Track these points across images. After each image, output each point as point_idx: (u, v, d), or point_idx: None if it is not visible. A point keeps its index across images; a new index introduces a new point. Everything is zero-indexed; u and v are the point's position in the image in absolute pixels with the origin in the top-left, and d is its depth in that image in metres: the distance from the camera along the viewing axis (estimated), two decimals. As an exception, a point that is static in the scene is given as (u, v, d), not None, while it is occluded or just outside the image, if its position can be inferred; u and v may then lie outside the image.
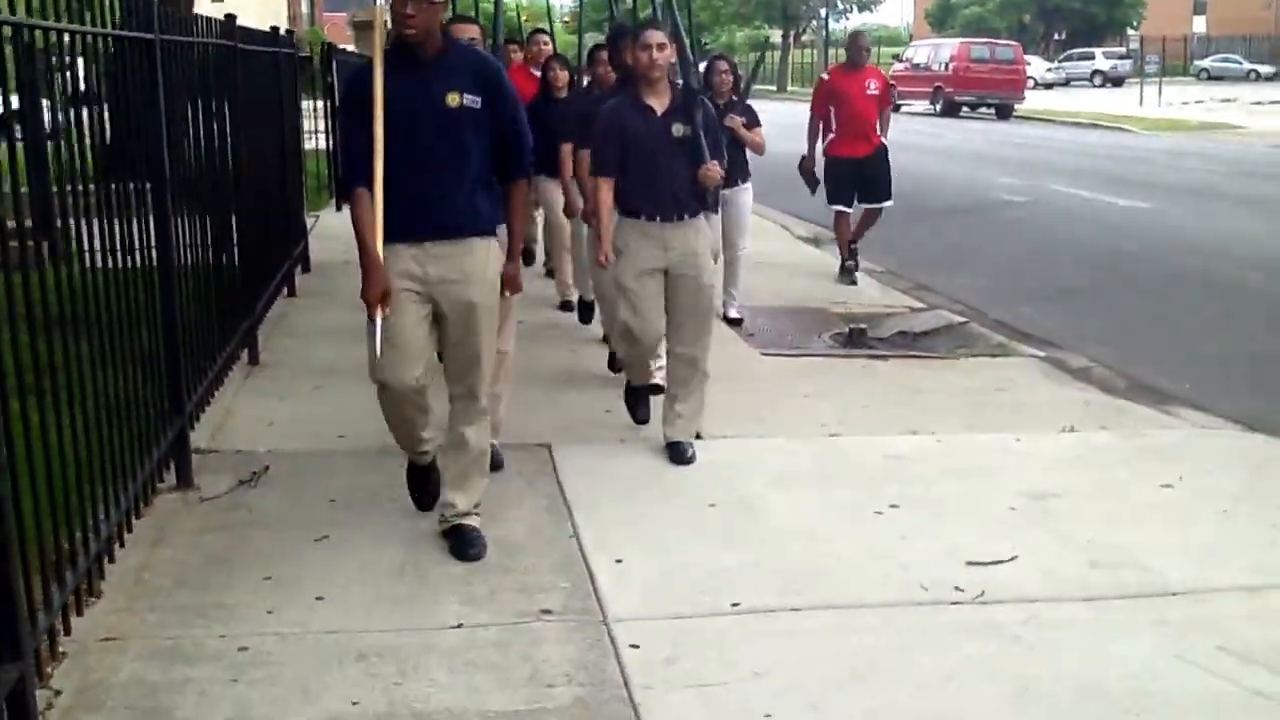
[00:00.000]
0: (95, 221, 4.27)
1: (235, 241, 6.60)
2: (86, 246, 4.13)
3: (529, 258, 9.88)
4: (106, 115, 4.59)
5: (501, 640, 3.81)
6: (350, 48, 26.78)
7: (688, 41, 5.82)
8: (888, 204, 10.43)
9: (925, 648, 3.87)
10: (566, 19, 19.10)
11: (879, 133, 10.38)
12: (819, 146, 10.35)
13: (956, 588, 4.30)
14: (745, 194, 8.62)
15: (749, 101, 8.52)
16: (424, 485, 4.87)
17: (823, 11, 60.67)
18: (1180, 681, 3.70)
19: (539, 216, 9.24)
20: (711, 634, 3.92)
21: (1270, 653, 3.85)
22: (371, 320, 4.24)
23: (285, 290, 8.71)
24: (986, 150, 24.54)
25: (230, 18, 6.89)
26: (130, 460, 4.37)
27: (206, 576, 4.26)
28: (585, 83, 7.97)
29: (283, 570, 4.31)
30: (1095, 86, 55.12)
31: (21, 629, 3.04)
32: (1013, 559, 4.57)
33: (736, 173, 8.22)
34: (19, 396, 3.27)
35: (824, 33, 61.33)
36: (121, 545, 4.27)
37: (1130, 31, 67.18)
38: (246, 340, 6.89)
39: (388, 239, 4.29)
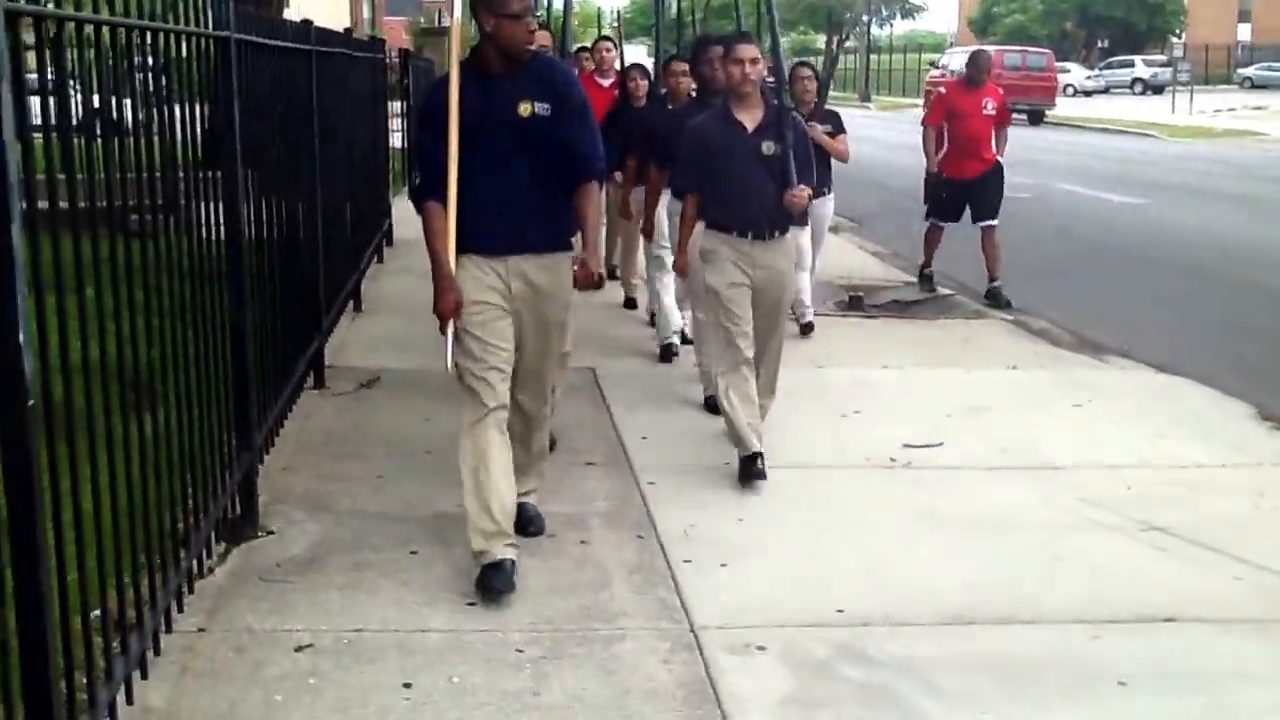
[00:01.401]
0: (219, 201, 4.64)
1: (344, 216, 8.11)
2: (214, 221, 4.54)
3: (614, 274, 9.67)
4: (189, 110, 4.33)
5: (557, 478, 5.35)
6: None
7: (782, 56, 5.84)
8: (991, 222, 10.03)
9: (860, 492, 5.40)
10: (615, 25, 19.95)
11: (994, 150, 10.12)
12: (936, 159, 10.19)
13: (891, 459, 5.84)
14: (827, 205, 8.51)
15: (832, 109, 8.55)
16: (493, 577, 4.47)
17: (865, 18, 61.80)
18: (1040, 513, 5.22)
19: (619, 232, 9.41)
20: (705, 479, 5.48)
21: (1111, 501, 5.34)
22: (443, 333, 4.31)
23: (376, 258, 10.37)
24: (1009, 153, 25.82)
25: (306, 22, 6.91)
26: (290, 366, 5.93)
27: (343, 440, 5.88)
28: (663, 92, 7.84)
29: (396, 434, 5.91)
30: (1136, 94, 55.95)
31: (253, 431, 4.66)
32: (939, 445, 6.09)
33: (820, 182, 7.91)
34: (253, 310, 4.77)
35: (866, 39, 62.47)
36: (286, 419, 5.84)
37: (1174, 40, 67.97)
38: (354, 292, 8.52)
39: (465, 249, 4.32)
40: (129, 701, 3.29)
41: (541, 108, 4.33)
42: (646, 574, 4.48)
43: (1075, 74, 56.60)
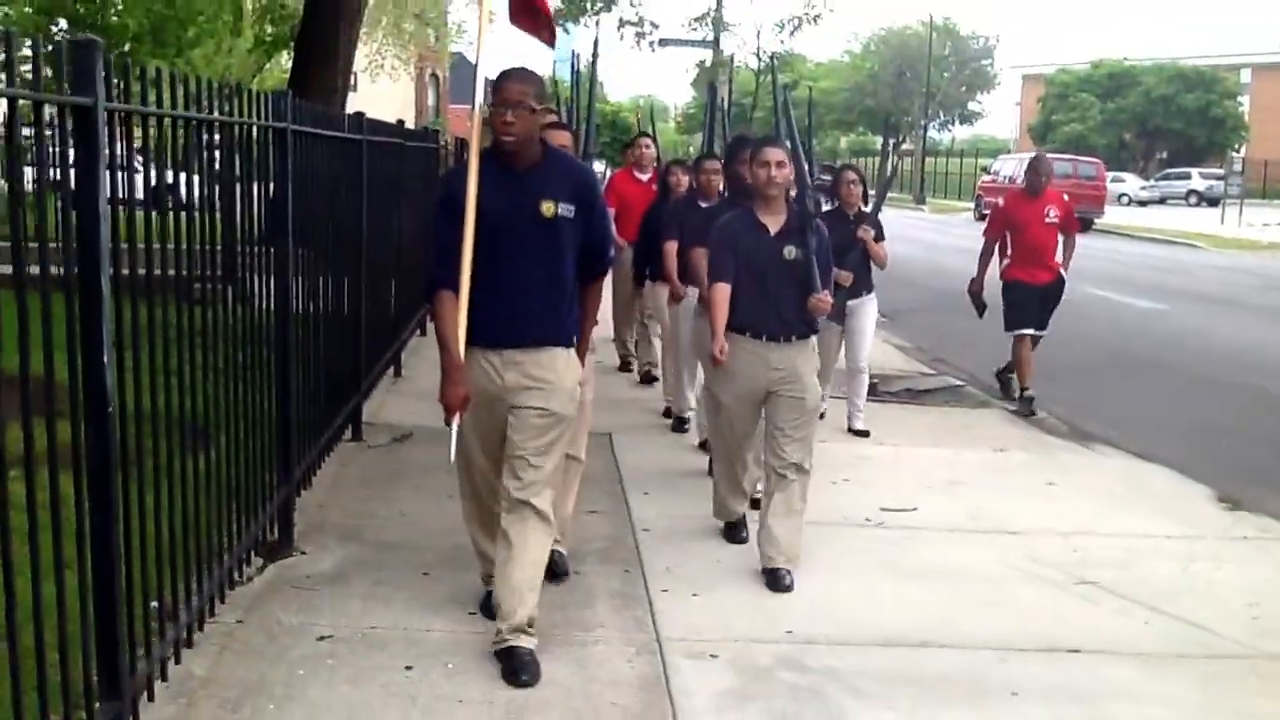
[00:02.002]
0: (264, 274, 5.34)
1: (387, 292, 8.93)
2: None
3: (649, 379, 9.94)
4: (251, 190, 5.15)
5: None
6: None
7: (805, 158, 5.87)
8: (1041, 333, 9.82)
9: (833, 545, 6.03)
10: (679, 119, 20.65)
11: (1059, 261, 9.79)
12: (991, 271, 9.93)
13: (867, 519, 6.49)
14: (870, 304, 8.59)
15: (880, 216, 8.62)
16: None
17: (921, 122, 62.94)
18: (988, 568, 5.85)
19: (654, 332, 9.64)
20: (696, 529, 6.15)
21: (1055, 561, 5.95)
22: (448, 424, 4.38)
23: (419, 331, 11.17)
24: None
25: (359, 114, 7.72)
26: (329, 418, 6.72)
27: (374, 484, 6.64)
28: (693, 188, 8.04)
29: (424, 482, 6.65)
30: (1190, 205, 56.34)
31: (292, 469, 5.42)
32: (914, 509, 6.73)
33: (861, 284, 8.34)
34: (297, 370, 5.56)
35: (922, 143, 63.50)
36: (324, 462, 6.61)
37: (1233, 154, 68.37)
38: (394, 360, 9.32)
39: (470, 341, 4.37)
40: (177, 661, 4.02)
41: (565, 209, 4.37)
42: (626, 599, 5.16)
43: (1130, 184, 57.09)
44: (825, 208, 8.45)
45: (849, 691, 4.34)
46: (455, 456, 4.46)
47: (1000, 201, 10.50)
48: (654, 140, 10.81)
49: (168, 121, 4.03)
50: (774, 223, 5.50)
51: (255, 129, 5.20)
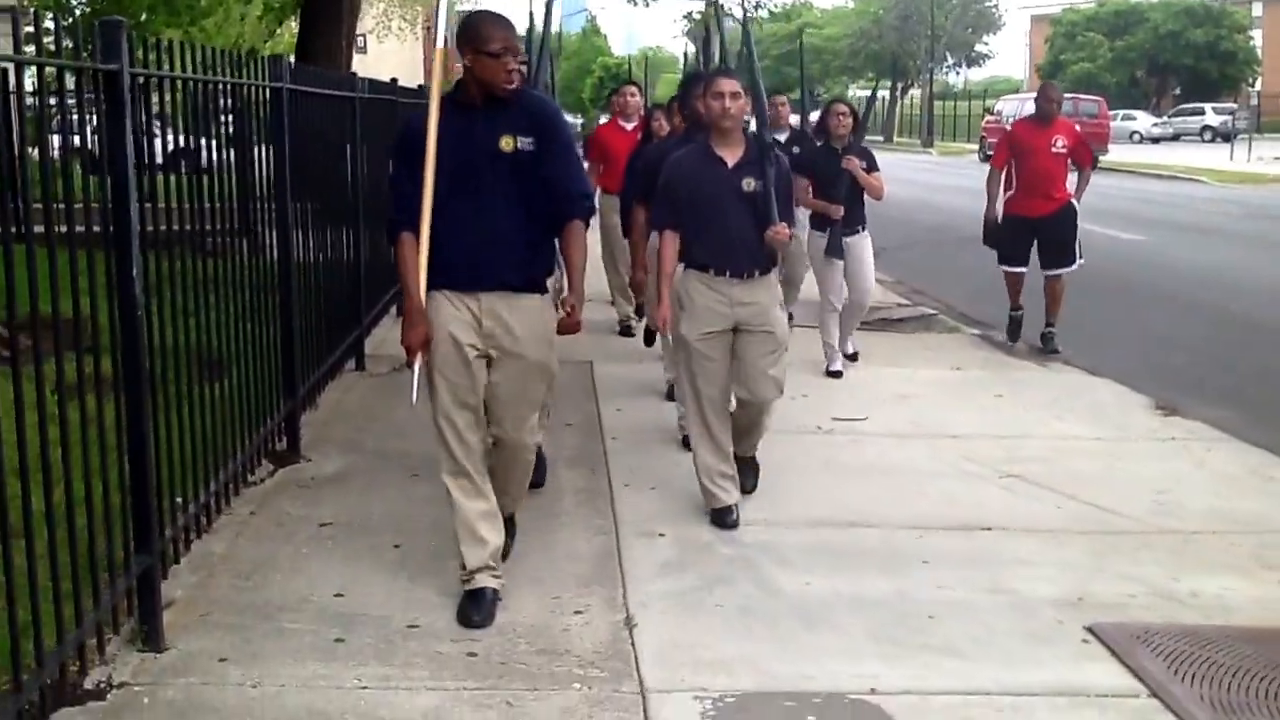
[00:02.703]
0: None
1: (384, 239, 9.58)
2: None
3: (628, 332, 9.89)
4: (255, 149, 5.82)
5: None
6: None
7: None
8: (1069, 269, 9.56)
9: (785, 448, 6.67)
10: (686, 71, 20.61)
11: (1069, 191, 9.56)
12: (1000, 203, 9.76)
13: (818, 427, 7.15)
14: (866, 239, 8.59)
15: (866, 146, 8.55)
16: (474, 605, 4.47)
17: (929, 65, 63.04)
18: (922, 465, 6.50)
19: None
20: (662, 444, 6.82)
21: (986, 459, 6.60)
22: (410, 366, 4.34)
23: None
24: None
25: (351, 74, 8.49)
26: (331, 351, 7.41)
27: (374, 405, 7.34)
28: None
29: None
30: (1205, 142, 56.26)
31: (297, 386, 6.12)
32: (864, 419, 7.39)
33: (856, 218, 8.40)
34: (299, 308, 6.27)
35: (929, 85, 63.63)
36: (325, 387, 7.32)
37: (1248, 88, 68.19)
38: (395, 300, 10.02)
39: (438, 285, 4.32)
40: (199, 535, 4.76)
41: (525, 142, 4.29)
42: (591, 494, 5.84)
43: (1142, 121, 57.20)
44: (817, 143, 8.94)
45: (777, 561, 5.01)
46: (415, 399, 4.32)
47: (1008, 127, 10.33)
48: (640, 89, 10.56)
49: (180, 84, 4.69)
50: (731, 155, 5.35)
51: (255, 89, 5.87)
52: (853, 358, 8.86)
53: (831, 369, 8.58)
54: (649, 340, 8.69)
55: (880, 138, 61.17)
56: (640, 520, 5.46)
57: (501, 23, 4.34)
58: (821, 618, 4.48)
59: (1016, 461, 6.54)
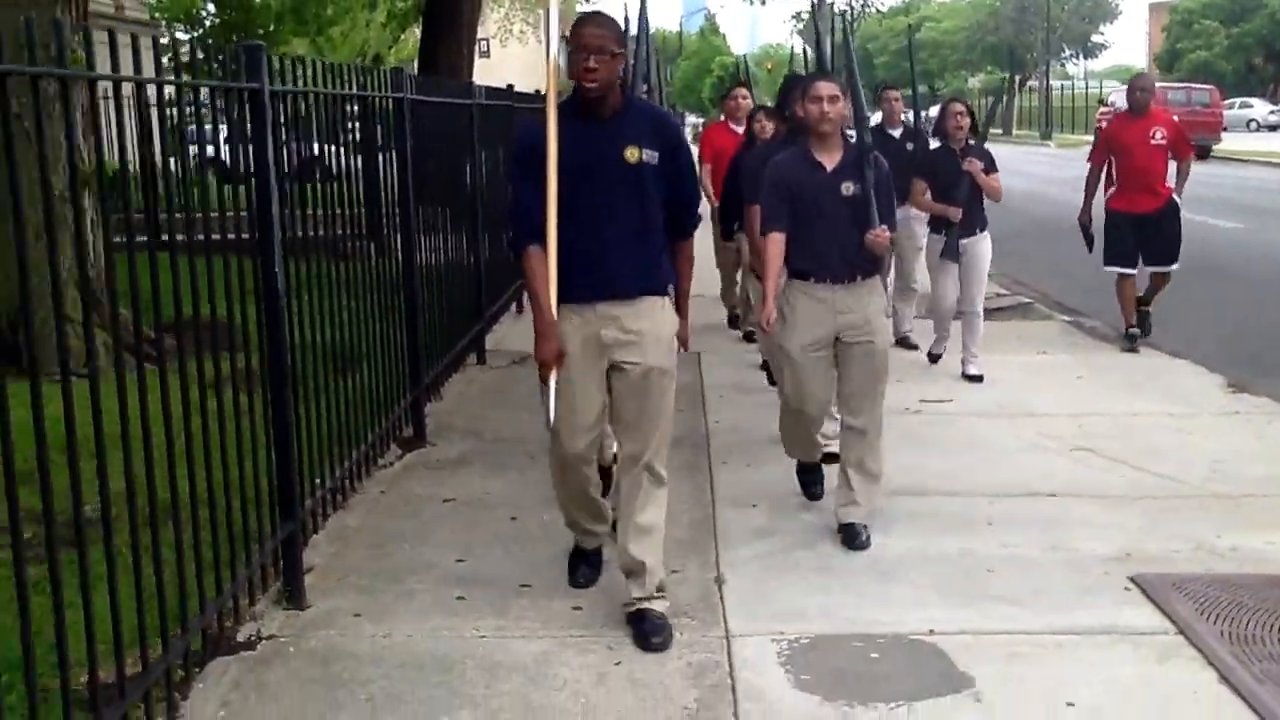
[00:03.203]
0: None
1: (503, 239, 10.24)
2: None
3: (736, 322, 9.99)
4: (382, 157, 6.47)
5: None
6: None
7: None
8: (1174, 267, 9.37)
9: (898, 425, 6.99)
10: (770, 65, 21.10)
11: (1170, 186, 9.34)
12: (1099, 199, 9.63)
13: (906, 408, 7.59)
14: (984, 243, 8.43)
15: (987, 147, 8.54)
16: (581, 565, 4.92)
17: (1045, 57, 62.42)
18: (1001, 441, 6.94)
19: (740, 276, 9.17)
20: (764, 437, 7.33)
21: (1061, 434, 7.00)
22: (544, 381, 4.28)
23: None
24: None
25: (469, 82, 9.41)
26: (454, 345, 8.07)
27: (493, 396, 7.98)
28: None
29: (533, 392, 7.94)
30: (1322, 129, 54.86)
31: (422, 376, 6.76)
32: (950, 400, 7.84)
33: (975, 220, 8.30)
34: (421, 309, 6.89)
35: (1044, 80, 63.02)
36: (449, 379, 7.97)
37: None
38: (515, 298, 10.69)
39: (561, 299, 4.26)
40: (335, 510, 5.42)
41: (649, 154, 4.26)
42: (692, 469, 6.36)
43: (1259, 109, 56.04)
44: (933, 145, 8.92)
45: (855, 525, 5.51)
46: (552, 419, 4.31)
47: (1103, 124, 10.14)
48: (749, 90, 10.48)
49: (312, 98, 5.35)
50: (830, 159, 5.27)
51: (380, 101, 6.50)
52: (976, 379, 8.37)
53: (968, 372, 8.41)
54: (750, 338, 9.18)
55: (999, 131, 60.66)
56: (735, 493, 5.98)
57: (584, 20, 4.26)
58: (892, 574, 4.97)
59: (1088, 436, 6.93)
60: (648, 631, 4.32)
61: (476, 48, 18.56)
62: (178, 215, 4.04)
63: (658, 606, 4.40)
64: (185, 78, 4.48)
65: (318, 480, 5.21)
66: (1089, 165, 9.77)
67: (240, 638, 4.39)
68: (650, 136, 4.31)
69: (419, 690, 4.01)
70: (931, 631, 4.39)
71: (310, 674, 4.15)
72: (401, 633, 4.47)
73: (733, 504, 5.85)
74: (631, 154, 4.25)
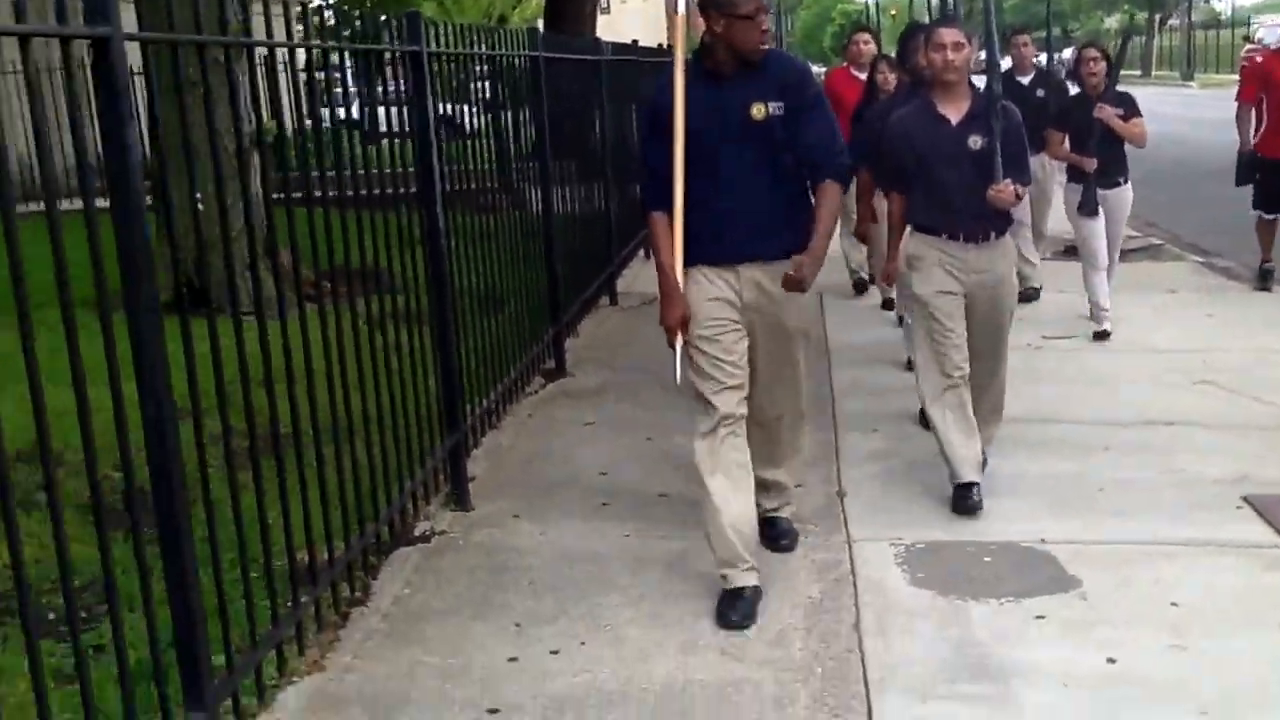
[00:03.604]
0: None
1: (633, 189, 10.66)
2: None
3: (861, 288, 9.66)
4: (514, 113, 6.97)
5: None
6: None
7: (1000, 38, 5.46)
8: None
9: (1019, 360, 7.36)
10: (894, 12, 20.61)
11: None
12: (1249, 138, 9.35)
13: (1029, 344, 7.82)
14: (1125, 193, 8.10)
15: (1121, 89, 8.12)
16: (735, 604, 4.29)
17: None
18: (1123, 374, 7.15)
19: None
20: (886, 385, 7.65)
21: (1185, 368, 7.17)
22: (671, 346, 4.22)
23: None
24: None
25: (596, 39, 9.88)
26: (588, 286, 8.54)
27: (625, 333, 8.40)
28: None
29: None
30: None
31: (560, 314, 7.21)
32: (1073, 337, 8.05)
33: (1113, 170, 7.95)
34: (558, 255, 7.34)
35: (1186, 16, 61.26)
36: (582, 319, 8.43)
37: None
38: (644, 243, 11.09)
39: (695, 261, 4.20)
40: (492, 427, 5.91)
41: (775, 108, 4.15)
42: (816, 399, 6.65)
43: None
44: (1072, 91, 8.77)
45: (973, 448, 5.81)
46: (679, 378, 4.23)
47: (1257, 58, 9.59)
48: (875, 36, 10.17)
49: (462, 59, 5.80)
50: (955, 111, 5.00)
51: (518, 60, 7.00)
52: (1103, 335, 8.00)
53: (1099, 330, 8.05)
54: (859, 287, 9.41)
55: (1136, 72, 59.17)
56: (857, 418, 6.32)
57: None
58: (1007, 491, 5.27)
59: (1212, 370, 7.10)
60: (776, 535, 4.63)
61: (598, 4, 18.91)
62: (333, 173, 4.40)
63: (785, 513, 4.71)
64: (343, 43, 4.95)
65: (477, 400, 5.70)
66: (1238, 104, 9.52)
67: (417, 533, 4.92)
68: (776, 88, 4.18)
69: (572, 578, 4.49)
70: (1042, 540, 4.70)
71: (477, 562, 4.68)
72: (555, 531, 4.95)
73: (855, 428, 6.19)
74: (758, 110, 4.15)
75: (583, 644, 3.99)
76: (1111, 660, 3.80)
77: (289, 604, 3.80)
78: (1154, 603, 4.17)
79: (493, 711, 3.58)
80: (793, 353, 4.43)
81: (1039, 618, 4.10)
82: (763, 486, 4.53)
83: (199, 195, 3.59)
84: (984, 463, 5.22)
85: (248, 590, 3.53)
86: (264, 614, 3.64)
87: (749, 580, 4.18)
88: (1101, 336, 7.99)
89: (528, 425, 6.37)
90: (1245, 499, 5.07)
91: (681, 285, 4.19)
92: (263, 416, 3.66)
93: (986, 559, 4.58)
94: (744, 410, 4.28)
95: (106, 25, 2.75)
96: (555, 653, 3.93)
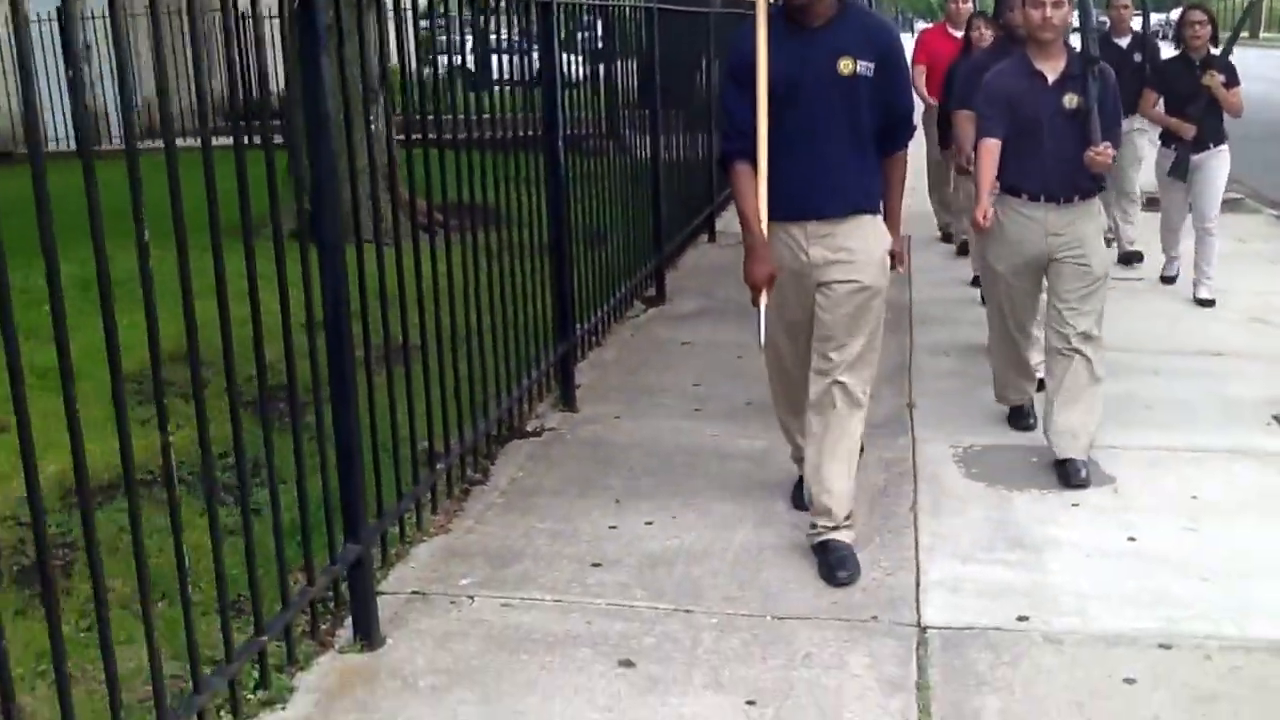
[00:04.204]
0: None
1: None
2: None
3: (949, 239, 9.85)
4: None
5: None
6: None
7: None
8: None
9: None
10: None
11: None
12: None
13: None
14: (1220, 158, 7.97)
15: (1231, 58, 7.86)
16: (799, 485, 4.70)
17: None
18: (1187, 311, 7.66)
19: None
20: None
21: (1244, 308, 7.65)
22: (755, 304, 4.16)
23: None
24: None
25: None
26: (689, 223, 9.21)
27: (721, 267, 9.05)
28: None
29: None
30: None
31: (663, 245, 7.88)
32: (1140, 279, 8.53)
33: (1210, 135, 7.83)
34: (663, 194, 7.99)
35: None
36: (683, 253, 9.09)
37: None
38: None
39: (771, 216, 4.10)
40: (597, 344, 6.63)
41: (864, 66, 4.03)
42: (893, 327, 7.23)
43: None
44: (1169, 53, 8.54)
45: (1033, 370, 6.38)
46: (764, 340, 4.21)
47: None
48: None
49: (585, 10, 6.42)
50: (1051, 69, 4.96)
51: (632, 10, 7.60)
52: (1208, 303, 7.90)
53: (1166, 274, 8.36)
54: (964, 250, 9.15)
55: (1245, 34, 57.82)
56: (930, 345, 6.92)
57: None
58: (1060, 406, 5.84)
59: (1269, 310, 7.58)
60: (833, 564, 4.12)
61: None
62: (458, 116, 4.89)
63: (843, 537, 4.22)
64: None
65: (586, 316, 6.42)
66: None
67: (530, 429, 5.62)
68: (865, 46, 4.06)
69: (668, 466, 5.17)
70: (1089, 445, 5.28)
71: (584, 453, 5.37)
72: (653, 429, 5.63)
73: (928, 351, 6.79)
74: (845, 65, 4.03)
75: (674, 517, 4.66)
76: (1132, 539, 4.39)
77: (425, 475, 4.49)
78: (1177, 496, 4.75)
79: (595, 565, 4.26)
80: (865, 311, 4.20)
81: (1074, 505, 4.70)
82: (814, 500, 4.32)
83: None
84: (1086, 475, 4.93)
85: (395, 464, 4.23)
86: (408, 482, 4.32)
87: (844, 537, 4.28)
88: (1168, 280, 8.37)
89: (630, 343, 7.07)
90: (1275, 417, 5.61)
91: (767, 240, 4.11)
92: (396, 330, 4.21)
93: (1033, 459, 5.17)
94: (807, 368, 4.33)
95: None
96: (649, 523, 4.61)
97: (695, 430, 5.60)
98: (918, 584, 4.07)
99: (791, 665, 3.55)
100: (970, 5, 9.66)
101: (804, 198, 4.12)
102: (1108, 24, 9.38)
